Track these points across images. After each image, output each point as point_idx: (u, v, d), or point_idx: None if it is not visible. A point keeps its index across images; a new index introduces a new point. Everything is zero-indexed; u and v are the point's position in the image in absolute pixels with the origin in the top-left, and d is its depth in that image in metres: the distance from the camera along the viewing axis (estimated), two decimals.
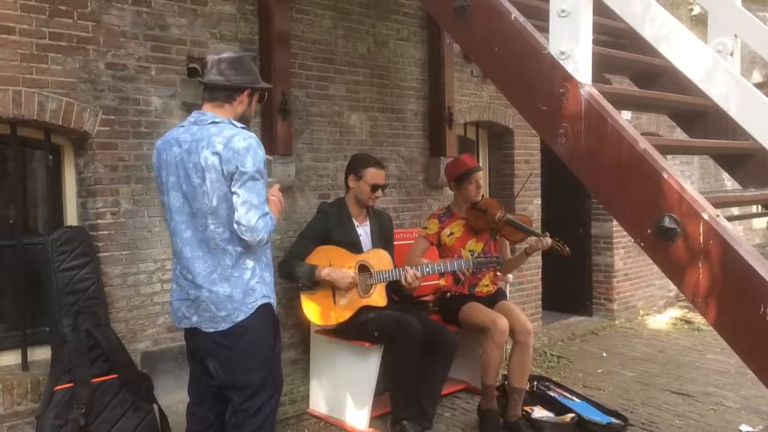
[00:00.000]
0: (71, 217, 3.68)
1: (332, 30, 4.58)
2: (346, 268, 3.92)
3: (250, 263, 2.60)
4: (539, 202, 6.21)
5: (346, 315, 3.88)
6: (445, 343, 3.92)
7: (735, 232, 2.38)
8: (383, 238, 4.20)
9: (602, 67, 3.48)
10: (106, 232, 3.59)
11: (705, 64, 2.55)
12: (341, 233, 4.03)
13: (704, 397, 4.88)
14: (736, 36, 3.43)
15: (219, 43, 3.96)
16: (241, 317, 2.58)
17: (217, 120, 2.57)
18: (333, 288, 3.89)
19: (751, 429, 4.26)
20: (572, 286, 7.21)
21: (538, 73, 2.82)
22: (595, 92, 2.70)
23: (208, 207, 2.53)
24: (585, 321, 7.12)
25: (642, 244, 2.57)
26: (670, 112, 3.82)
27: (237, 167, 2.46)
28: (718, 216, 2.39)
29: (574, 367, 5.64)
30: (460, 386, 4.85)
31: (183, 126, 2.65)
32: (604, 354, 6.06)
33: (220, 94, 2.64)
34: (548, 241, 4.16)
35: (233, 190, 2.48)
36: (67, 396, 3.21)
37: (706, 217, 2.37)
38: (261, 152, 2.53)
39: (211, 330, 2.60)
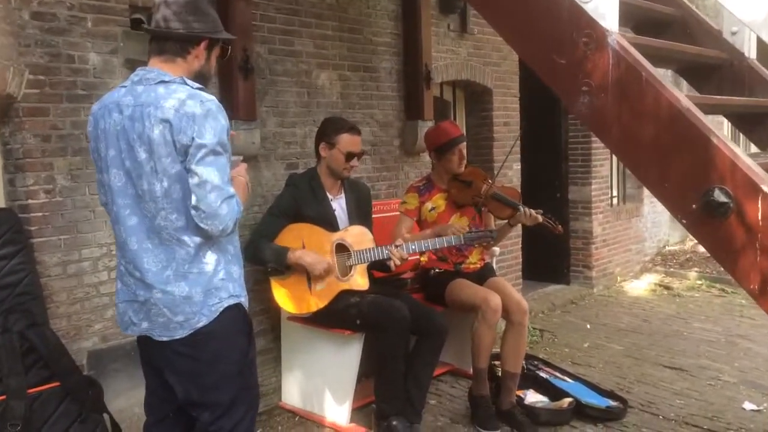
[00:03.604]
0: None
1: None
2: (322, 247, 3.47)
3: (212, 256, 2.12)
4: (519, 167, 5.82)
5: (324, 301, 3.43)
6: (435, 329, 3.51)
7: None
8: (361, 212, 3.75)
9: None
10: (40, 214, 3.04)
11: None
12: (314, 208, 3.56)
13: (699, 371, 4.62)
14: None
15: None
16: (203, 322, 2.10)
17: (166, 78, 2.05)
18: (308, 271, 3.43)
19: (755, 407, 4.00)
20: (549, 254, 6.88)
21: (555, 20, 2.38)
22: (625, 42, 2.28)
23: (157, 188, 2.03)
24: (563, 290, 6.83)
25: (684, 222, 2.19)
26: (681, 66, 3.44)
27: (193, 138, 1.96)
28: None
29: (559, 342, 5.33)
30: (444, 369, 4.48)
31: (125, 86, 2.12)
32: (588, 326, 5.78)
33: (172, 45, 2.12)
34: (538, 218, 3.76)
35: (188, 167, 1.98)
36: None
37: (766, 189, 2.00)
38: (223, 119, 2.03)
39: (165, 338, 2.13)
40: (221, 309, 2.14)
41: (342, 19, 4.31)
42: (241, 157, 2.48)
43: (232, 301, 2.17)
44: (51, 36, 3.04)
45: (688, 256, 7.96)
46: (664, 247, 8.27)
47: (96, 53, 3.19)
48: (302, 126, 4.08)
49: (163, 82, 2.04)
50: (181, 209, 2.05)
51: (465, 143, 4.00)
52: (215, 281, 2.12)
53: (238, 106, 3.59)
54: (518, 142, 5.65)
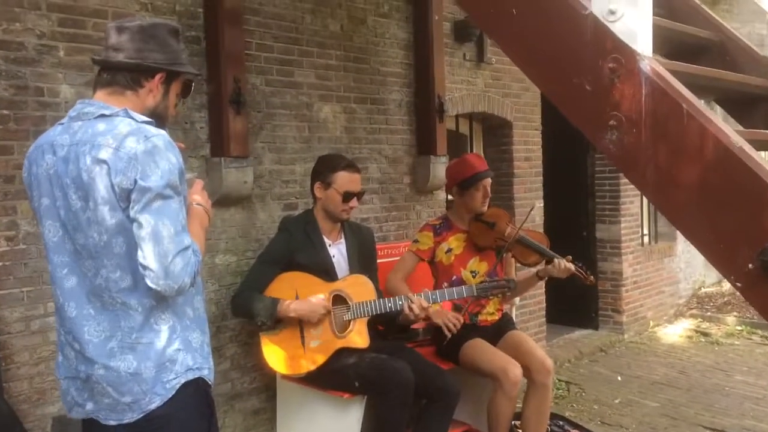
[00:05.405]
0: None
1: (297, 3, 3.73)
2: None
3: (165, 322, 1.77)
4: (542, 205, 5.43)
5: (319, 361, 3.05)
6: (443, 392, 3.11)
7: None
8: (363, 260, 3.38)
9: None
10: (0, 264, 2.74)
11: None
12: (309, 256, 3.20)
13: None
14: None
15: (151, 16, 3.11)
16: (156, 402, 1.75)
17: (107, 112, 1.73)
18: (301, 326, 3.07)
19: None
20: (575, 296, 6.40)
21: (577, 42, 2.02)
22: (660, 68, 1.91)
23: (97, 243, 1.70)
24: (591, 335, 6.37)
25: (738, 285, 1.78)
26: (721, 95, 3.05)
27: (136, 181, 1.63)
28: None
29: (587, 397, 4.88)
30: (460, 429, 4.05)
31: (62, 123, 1.81)
32: (619, 378, 5.31)
33: (121, 77, 1.80)
34: (569, 267, 3.37)
35: (132, 216, 1.65)
36: None
37: None
38: (174, 157, 1.70)
39: (113, 423, 1.78)
40: (178, 386, 1.78)
41: (347, 48, 4.01)
42: (196, 174, 2.13)
43: (191, 376, 1.81)
44: (17, 67, 2.77)
45: (726, 298, 7.44)
46: (700, 288, 7.76)
47: (69, 85, 2.91)
48: (302, 163, 3.76)
49: (103, 116, 1.72)
50: (125, 266, 1.72)
51: (490, 179, 3.62)
52: (169, 352, 1.77)
53: (229, 142, 3.28)
54: (539, 178, 5.28)
